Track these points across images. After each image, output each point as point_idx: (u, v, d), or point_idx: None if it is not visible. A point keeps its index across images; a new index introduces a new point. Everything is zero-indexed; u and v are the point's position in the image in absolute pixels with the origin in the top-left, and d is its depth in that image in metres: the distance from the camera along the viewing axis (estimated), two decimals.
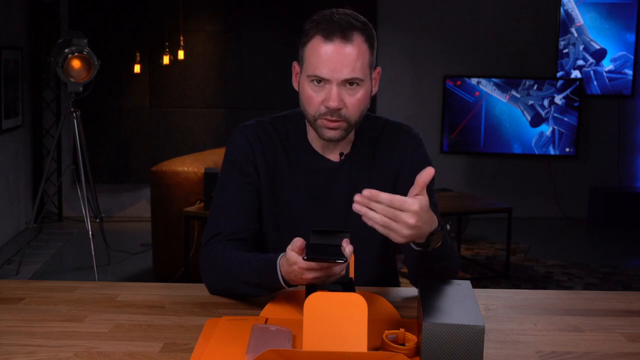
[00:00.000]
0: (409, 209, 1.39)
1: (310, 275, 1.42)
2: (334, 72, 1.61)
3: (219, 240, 1.71)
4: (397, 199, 1.39)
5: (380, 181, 1.77)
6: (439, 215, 1.76)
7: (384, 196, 1.38)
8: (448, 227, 5.72)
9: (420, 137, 1.83)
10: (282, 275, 1.52)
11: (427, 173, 1.43)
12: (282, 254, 1.52)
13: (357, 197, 1.39)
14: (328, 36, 1.62)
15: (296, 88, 1.73)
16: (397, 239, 1.42)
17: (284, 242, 1.76)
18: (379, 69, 1.73)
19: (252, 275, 1.60)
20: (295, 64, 1.73)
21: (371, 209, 1.39)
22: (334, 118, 1.64)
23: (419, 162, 1.78)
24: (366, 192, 1.38)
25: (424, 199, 1.42)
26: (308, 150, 1.77)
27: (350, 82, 1.63)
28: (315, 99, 1.65)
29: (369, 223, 1.40)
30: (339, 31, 1.61)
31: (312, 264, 1.40)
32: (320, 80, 1.63)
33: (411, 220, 1.39)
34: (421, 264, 1.63)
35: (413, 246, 1.52)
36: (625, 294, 1.78)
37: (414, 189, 1.42)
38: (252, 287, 1.61)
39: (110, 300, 1.66)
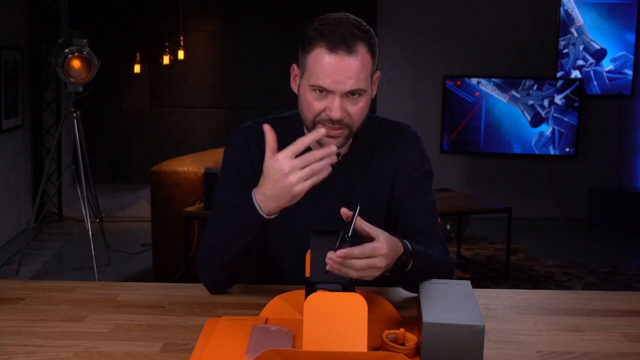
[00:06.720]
0: (378, 253, 1.40)
1: (294, 177, 1.44)
2: (337, 83, 1.59)
3: None
4: (367, 248, 1.40)
5: (378, 180, 1.77)
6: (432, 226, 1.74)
7: (357, 251, 1.38)
8: (448, 227, 5.72)
9: (418, 136, 1.82)
10: (257, 202, 1.51)
11: (344, 213, 1.45)
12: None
13: (330, 256, 1.37)
14: (332, 48, 1.59)
15: (295, 91, 1.71)
16: (369, 279, 1.43)
17: (283, 243, 1.76)
18: (378, 73, 1.72)
19: (230, 213, 1.60)
20: (294, 67, 1.71)
21: (346, 266, 1.39)
22: (335, 126, 1.63)
23: (416, 161, 1.78)
24: (340, 253, 1.37)
25: (381, 233, 1.43)
26: (305, 151, 1.76)
27: (353, 92, 1.61)
28: (316, 106, 1.63)
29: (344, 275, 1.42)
30: (344, 43, 1.59)
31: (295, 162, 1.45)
32: (322, 90, 1.62)
33: (381, 263, 1.41)
34: (402, 283, 1.68)
35: (386, 273, 1.51)
36: (625, 294, 1.78)
37: (363, 229, 1.43)
38: (232, 231, 1.59)
39: (110, 300, 1.66)
